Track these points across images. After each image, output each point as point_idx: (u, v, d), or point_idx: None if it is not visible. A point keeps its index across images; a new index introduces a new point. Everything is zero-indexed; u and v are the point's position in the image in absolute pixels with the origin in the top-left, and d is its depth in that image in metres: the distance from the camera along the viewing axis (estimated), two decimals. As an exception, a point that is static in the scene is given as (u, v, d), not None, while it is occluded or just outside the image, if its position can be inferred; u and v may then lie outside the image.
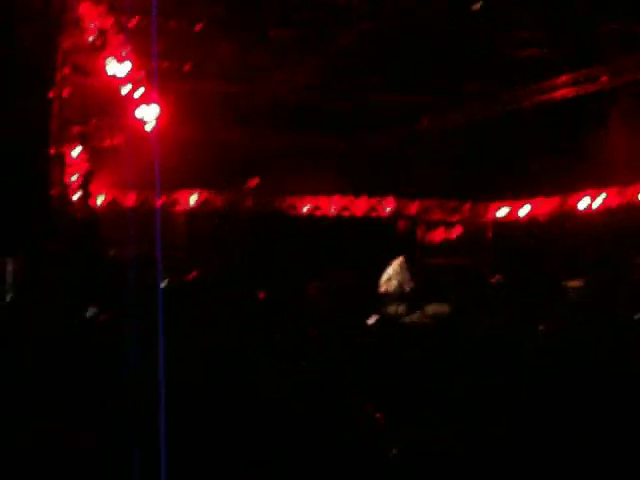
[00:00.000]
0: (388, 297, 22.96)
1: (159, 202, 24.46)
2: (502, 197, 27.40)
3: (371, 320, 19.36)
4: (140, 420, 8.80)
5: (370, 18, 19.91)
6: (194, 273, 22.04)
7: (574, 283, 22.25)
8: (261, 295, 22.21)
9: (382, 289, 23.06)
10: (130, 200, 24.22)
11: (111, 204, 24.33)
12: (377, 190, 27.04)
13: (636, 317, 16.66)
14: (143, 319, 12.03)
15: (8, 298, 18.36)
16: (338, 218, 26.72)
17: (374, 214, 27.15)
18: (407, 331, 19.49)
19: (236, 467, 9.43)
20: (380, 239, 25.86)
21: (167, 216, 24.84)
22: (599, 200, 24.35)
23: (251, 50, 20.85)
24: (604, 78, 22.60)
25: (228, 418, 10.57)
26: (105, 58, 18.85)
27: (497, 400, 11.24)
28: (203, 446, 9.65)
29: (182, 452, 8.64)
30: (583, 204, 24.78)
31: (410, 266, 23.51)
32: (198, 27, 19.67)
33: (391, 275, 23.15)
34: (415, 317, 21.95)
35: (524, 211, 26.92)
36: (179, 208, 25.41)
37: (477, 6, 19.33)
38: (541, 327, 17.26)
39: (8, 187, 17.83)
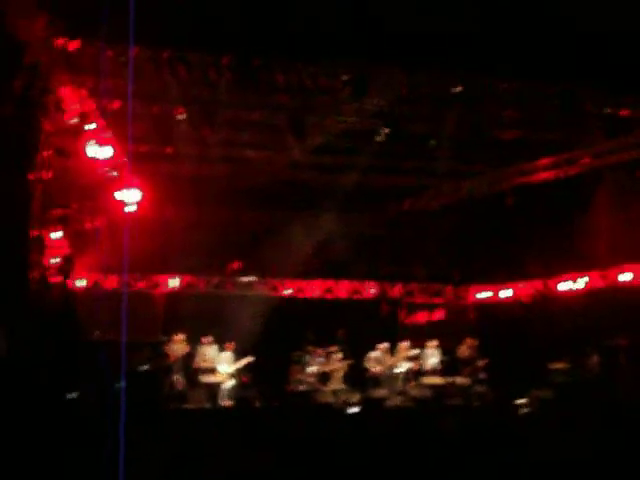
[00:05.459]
0: (373, 380, 22.81)
1: (133, 285, 24.27)
2: (484, 280, 27.30)
3: (354, 408, 19.30)
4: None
5: (355, 102, 20.08)
6: (174, 357, 21.81)
7: (558, 365, 22.11)
8: (244, 379, 21.99)
9: (367, 372, 22.92)
10: (111, 283, 23.93)
11: (91, 287, 24.00)
12: (360, 273, 26.88)
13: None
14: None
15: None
16: (321, 300, 26.43)
17: (357, 297, 26.90)
18: (391, 415, 19.35)
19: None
20: (363, 322, 25.64)
21: (148, 299, 24.54)
22: (581, 283, 24.22)
23: (232, 132, 20.89)
24: (586, 161, 22.70)
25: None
26: (86, 141, 18.82)
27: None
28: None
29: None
30: (564, 286, 24.66)
31: (394, 350, 23.37)
32: (178, 111, 19.76)
33: (374, 359, 23.00)
34: (398, 400, 21.81)
35: (506, 293, 26.81)
36: (160, 291, 25.10)
37: (459, 88, 19.51)
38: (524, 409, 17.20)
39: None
